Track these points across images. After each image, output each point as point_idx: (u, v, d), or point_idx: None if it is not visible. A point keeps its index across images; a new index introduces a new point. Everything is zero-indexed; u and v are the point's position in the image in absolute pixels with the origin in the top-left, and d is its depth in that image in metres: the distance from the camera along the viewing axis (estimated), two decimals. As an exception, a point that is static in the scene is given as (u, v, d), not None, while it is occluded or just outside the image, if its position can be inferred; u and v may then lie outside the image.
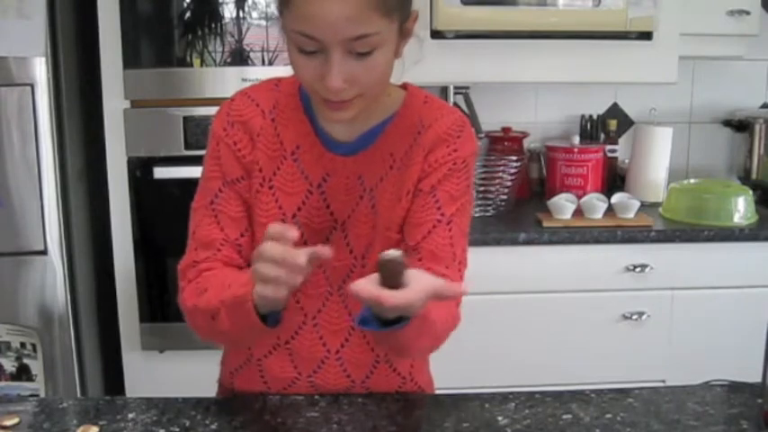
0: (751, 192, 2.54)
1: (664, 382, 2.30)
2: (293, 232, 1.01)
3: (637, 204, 2.48)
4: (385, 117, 1.23)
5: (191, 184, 1.29)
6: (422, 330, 1.10)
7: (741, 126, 2.86)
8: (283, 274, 1.01)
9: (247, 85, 1.29)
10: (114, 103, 2.28)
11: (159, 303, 2.39)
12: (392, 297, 0.98)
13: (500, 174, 2.59)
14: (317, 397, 1.26)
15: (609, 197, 2.53)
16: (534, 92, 2.93)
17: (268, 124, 1.22)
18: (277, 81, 1.26)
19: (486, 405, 1.23)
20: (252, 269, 1.04)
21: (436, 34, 2.41)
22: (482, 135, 2.68)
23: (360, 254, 1.24)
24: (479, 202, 2.56)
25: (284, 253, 1.00)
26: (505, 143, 2.82)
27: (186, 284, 1.22)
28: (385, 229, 1.23)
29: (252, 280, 1.05)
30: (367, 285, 0.99)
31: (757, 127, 2.81)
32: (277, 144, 1.22)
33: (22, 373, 2.25)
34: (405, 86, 1.27)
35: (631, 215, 2.46)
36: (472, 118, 2.63)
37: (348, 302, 1.26)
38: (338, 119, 1.15)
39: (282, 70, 1.24)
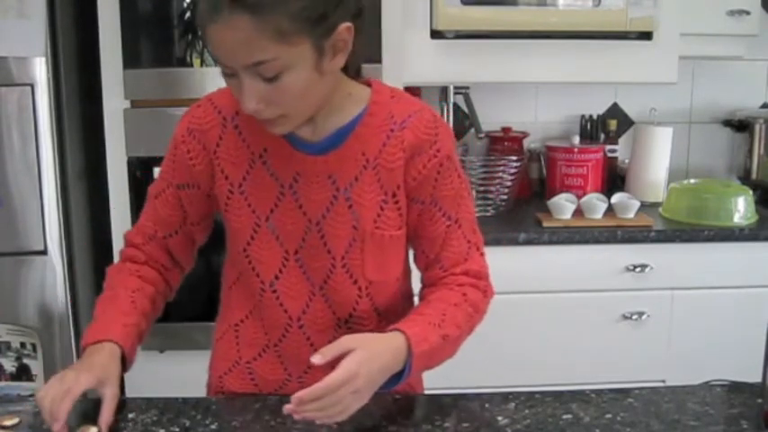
0: (751, 192, 2.54)
1: (664, 382, 2.30)
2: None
3: (637, 204, 2.48)
4: (353, 116, 1.21)
5: (190, 184, 1.30)
6: (443, 351, 1.21)
7: (741, 126, 2.86)
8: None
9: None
10: (114, 103, 2.27)
11: (159, 303, 2.38)
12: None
13: (500, 174, 2.59)
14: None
15: (609, 197, 2.53)
16: (534, 92, 2.93)
17: (229, 132, 1.22)
18: None
19: (486, 405, 1.23)
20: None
21: (436, 34, 2.41)
22: (482, 135, 2.68)
23: (339, 254, 1.23)
24: (479, 202, 2.56)
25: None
26: (505, 143, 2.82)
27: (121, 260, 1.36)
28: (373, 228, 1.22)
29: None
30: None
31: (757, 127, 2.81)
32: (243, 149, 1.22)
33: (22, 373, 2.25)
34: (369, 83, 1.24)
35: (631, 215, 2.46)
36: (472, 118, 2.63)
37: (332, 301, 1.27)
38: (277, 133, 1.16)
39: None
